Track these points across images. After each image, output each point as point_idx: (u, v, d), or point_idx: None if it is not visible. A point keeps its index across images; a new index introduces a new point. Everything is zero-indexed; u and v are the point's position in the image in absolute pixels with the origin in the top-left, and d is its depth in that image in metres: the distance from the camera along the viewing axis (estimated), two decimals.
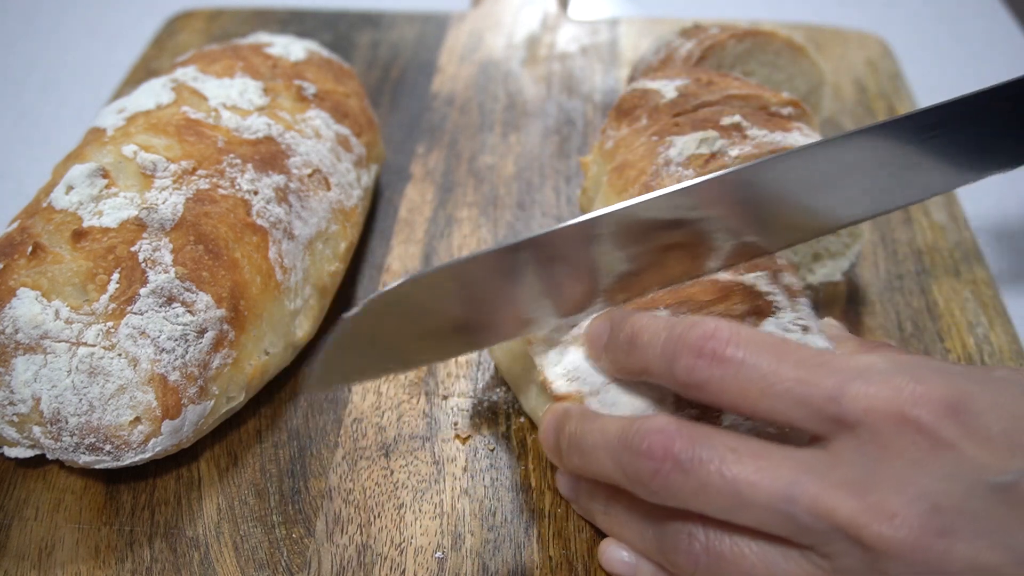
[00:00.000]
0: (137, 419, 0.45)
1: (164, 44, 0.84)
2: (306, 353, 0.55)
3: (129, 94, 0.58)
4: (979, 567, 0.33)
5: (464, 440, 0.51)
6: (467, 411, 0.52)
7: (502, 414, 0.52)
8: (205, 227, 0.49)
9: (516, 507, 0.47)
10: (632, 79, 0.68)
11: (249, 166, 0.53)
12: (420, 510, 0.47)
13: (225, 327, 0.48)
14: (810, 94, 0.67)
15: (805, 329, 0.44)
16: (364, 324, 0.41)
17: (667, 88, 0.58)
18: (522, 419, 0.52)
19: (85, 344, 0.45)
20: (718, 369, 0.37)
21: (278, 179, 0.54)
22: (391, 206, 0.67)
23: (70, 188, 0.49)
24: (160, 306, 0.46)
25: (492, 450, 0.50)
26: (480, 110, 0.76)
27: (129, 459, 0.45)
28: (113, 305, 0.46)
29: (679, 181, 0.51)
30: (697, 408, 0.41)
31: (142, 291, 0.46)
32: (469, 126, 0.75)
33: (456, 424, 0.51)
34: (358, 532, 0.46)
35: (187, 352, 0.46)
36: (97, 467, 0.46)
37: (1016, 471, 0.34)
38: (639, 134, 0.56)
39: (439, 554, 0.45)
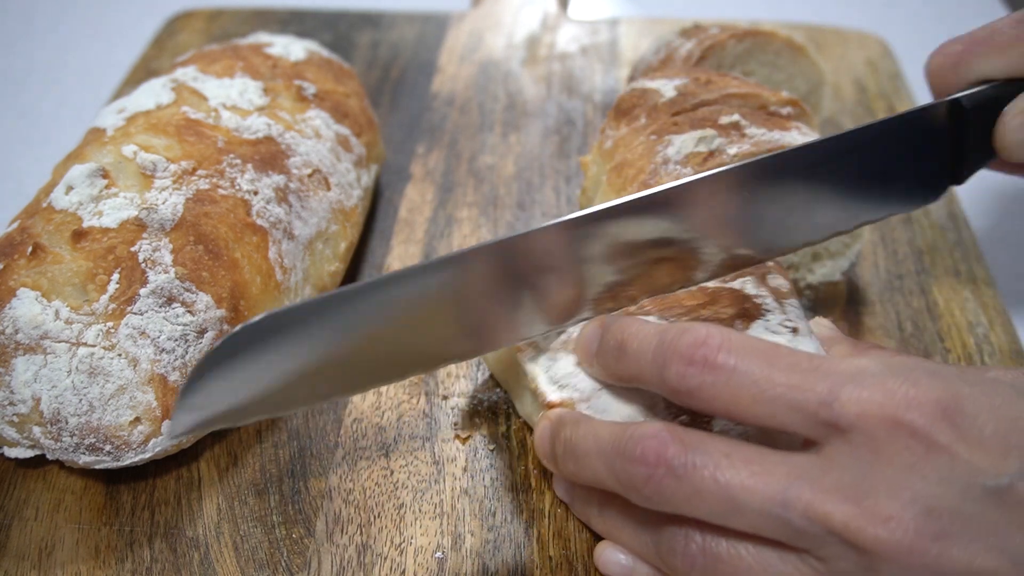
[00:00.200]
0: (137, 419, 0.45)
1: (164, 44, 0.84)
2: None
3: (129, 94, 0.58)
4: (974, 570, 0.33)
5: (464, 440, 0.51)
6: (467, 411, 0.52)
7: (502, 414, 0.52)
8: (205, 227, 0.49)
9: (516, 507, 0.47)
10: (632, 79, 0.68)
11: (249, 166, 0.53)
12: (420, 510, 0.47)
13: (225, 327, 0.48)
14: (810, 94, 0.67)
15: (794, 331, 0.44)
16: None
17: (666, 87, 0.58)
18: (522, 419, 0.52)
19: (85, 344, 0.45)
20: (709, 376, 0.37)
21: (278, 179, 0.54)
22: (391, 206, 0.67)
23: (70, 188, 0.49)
24: (160, 306, 0.46)
25: (492, 450, 0.50)
26: (480, 110, 0.76)
27: (129, 459, 0.45)
28: (113, 305, 0.46)
29: (677, 179, 0.51)
30: (688, 414, 0.41)
31: (142, 291, 0.46)
32: (469, 126, 0.75)
33: (456, 424, 0.51)
34: (358, 532, 0.46)
35: (187, 352, 0.46)
36: (97, 467, 0.46)
37: (1010, 474, 0.34)
38: (638, 133, 0.56)
39: (439, 554, 0.45)
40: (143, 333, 0.45)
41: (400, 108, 0.77)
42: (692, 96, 0.56)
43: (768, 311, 0.45)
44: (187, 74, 0.59)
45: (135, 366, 0.45)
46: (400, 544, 0.46)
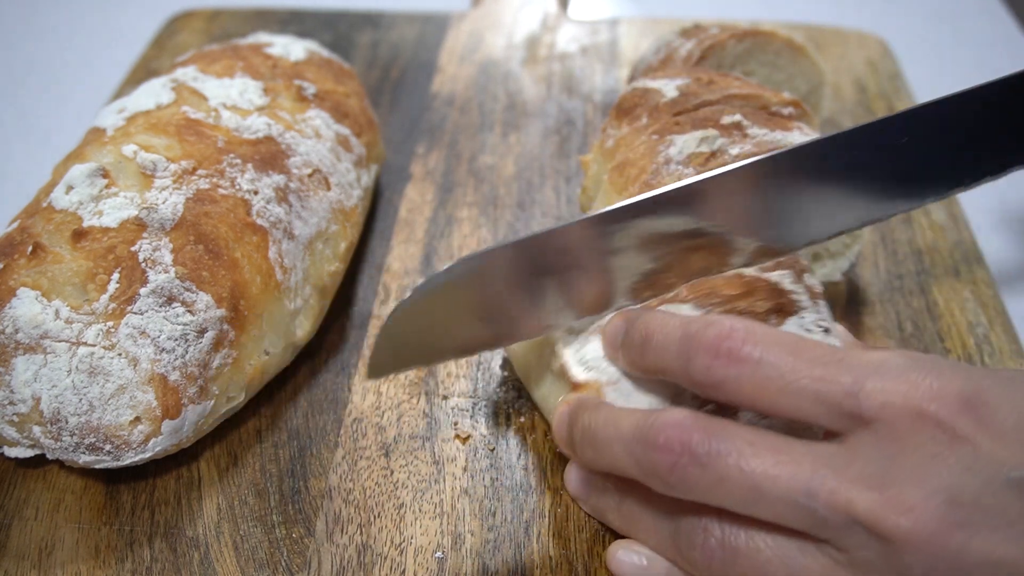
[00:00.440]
0: (137, 419, 0.45)
1: (164, 44, 0.84)
2: (306, 353, 0.55)
3: (129, 94, 0.58)
4: (996, 560, 0.33)
5: (464, 440, 0.51)
6: (467, 411, 0.52)
7: (502, 414, 0.52)
8: (205, 227, 0.49)
9: (516, 507, 0.47)
10: (632, 79, 0.68)
11: (249, 166, 0.53)
12: (420, 510, 0.47)
13: (225, 327, 0.48)
14: (810, 94, 0.67)
15: (826, 331, 0.44)
16: (414, 312, 0.43)
17: (668, 87, 0.58)
18: (522, 419, 0.52)
19: (85, 344, 0.45)
20: (734, 368, 0.37)
21: (278, 179, 0.54)
22: (391, 206, 0.67)
23: (70, 188, 0.49)
24: (160, 306, 0.46)
25: (492, 450, 0.50)
26: (480, 110, 0.76)
27: (129, 459, 0.45)
28: (113, 305, 0.46)
29: (679, 179, 0.51)
30: (713, 404, 0.41)
31: (142, 291, 0.46)
32: (469, 126, 0.75)
33: (456, 424, 0.51)
34: (358, 532, 0.46)
35: (187, 352, 0.46)
36: (97, 467, 0.46)
37: None
38: (639, 133, 0.56)
39: (439, 554, 0.45)
40: (143, 333, 0.45)
41: (400, 108, 0.77)
42: (694, 96, 0.56)
43: (803, 308, 0.45)
44: (187, 74, 0.59)
45: (135, 366, 0.45)
46: (400, 544, 0.46)
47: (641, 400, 0.43)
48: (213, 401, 0.48)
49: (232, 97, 0.57)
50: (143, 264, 0.47)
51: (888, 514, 0.34)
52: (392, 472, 0.49)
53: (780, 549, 0.37)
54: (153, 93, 0.56)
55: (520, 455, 0.50)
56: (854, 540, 0.35)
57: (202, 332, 0.47)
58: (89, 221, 0.48)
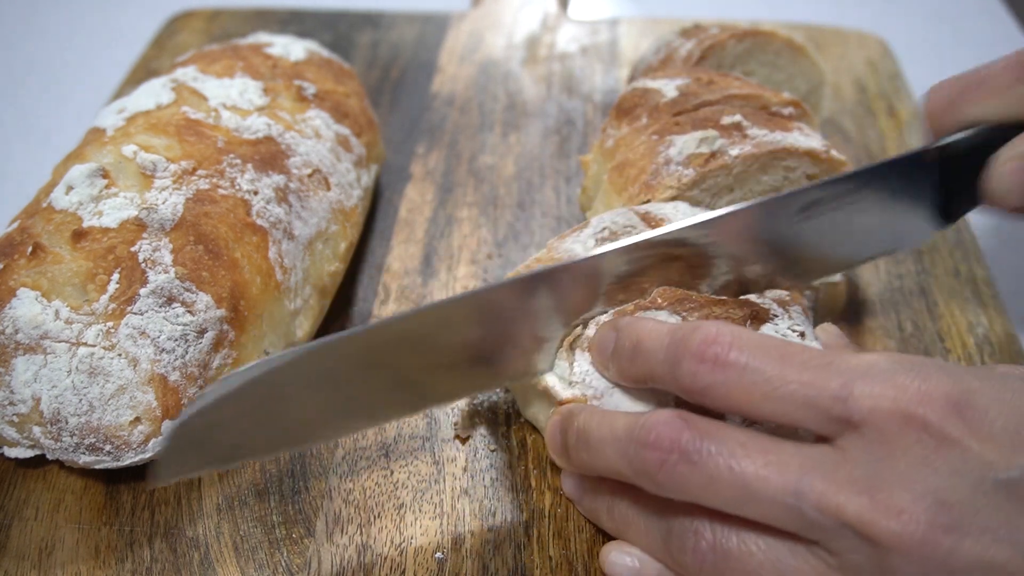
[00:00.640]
0: (137, 419, 0.45)
1: (164, 44, 0.84)
2: None
3: (129, 94, 0.58)
4: (986, 563, 0.33)
5: (464, 440, 0.51)
6: (467, 411, 0.52)
7: (502, 414, 0.52)
8: (205, 227, 0.49)
9: (516, 507, 0.47)
10: (632, 79, 0.68)
11: (249, 166, 0.53)
12: (420, 510, 0.47)
13: (225, 327, 0.48)
14: (810, 94, 0.67)
15: (801, 335, 0.44)
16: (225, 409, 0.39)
17: (668, 87, 0.58)
18: (522, 419, 0.51)
19: (85, 344, 0.45)
20: (721, 374, 0.37)
21: (278, 179, 0.54)
22: (391, 206, 0.67)
23: (70, 188, 0.49)
24: (160, 306, 0.46)
25: (492, 450, 0.50)
26: (480, 110, 0.76)
27: (129, 459, 0.45)
28: (113, 305, 0.46)
29: (679, 180, 0.51)
30: (701, 412, 0.41)
31: (142, 291, 0.46)
32: (469, 126, 0.75)
33: (456, 424, 0.51)
34: (358, 532, 0.46)
35: (187, 352, 0.46)
36: (97, 467, 0.46)
37: (1021, 466, 0.34)
38: (639, 133, 0.56)
39: (439, 554, 0.45)
40: (143, 333, 0.45)
41: (400, 108, 0.77)
42: (694, 96, 0.56)
43: (775, 315, 0.45)
44: (187, 74, 0.59)
45: (135, 366, 0.45)
46: (400, 544, 0.46)
47: (628, 411, 0.43)
48: None
49: (232, 97, 0.57)
50: (143, 264, 0.47)
51: (878, 518, 0.34)
52: (392, 472, 0.49)
53: (771, 552, 0.36)
54: (153, 93, 0.56)
55: (520, 455, 0.50)
56: (844, 543, 0.35)
57: (202, 332, 0.47)
58: (89, 221, 0.48)
